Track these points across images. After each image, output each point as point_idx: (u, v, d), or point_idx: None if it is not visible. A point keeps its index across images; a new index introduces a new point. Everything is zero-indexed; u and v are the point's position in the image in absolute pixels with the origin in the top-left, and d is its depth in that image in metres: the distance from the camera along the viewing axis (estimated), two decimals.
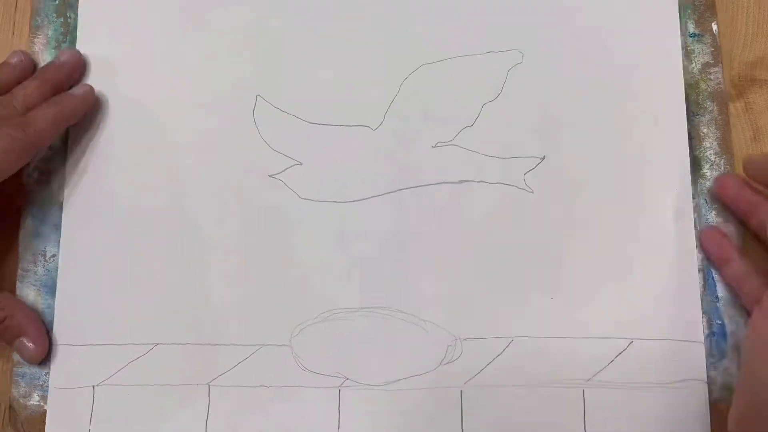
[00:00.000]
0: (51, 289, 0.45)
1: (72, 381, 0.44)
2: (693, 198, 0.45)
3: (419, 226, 0.45)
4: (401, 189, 0.45)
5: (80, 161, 0.46)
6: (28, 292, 0.45)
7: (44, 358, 0.43)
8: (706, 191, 0.45)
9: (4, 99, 0.43)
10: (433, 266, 0.44)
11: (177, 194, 0.45)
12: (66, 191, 0.45)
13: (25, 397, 0.44)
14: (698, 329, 0.43)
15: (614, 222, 0.45)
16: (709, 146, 0.45)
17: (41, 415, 0.44)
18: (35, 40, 0.47)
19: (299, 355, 0.44)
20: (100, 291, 0.44)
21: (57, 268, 0.45)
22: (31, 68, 0.46)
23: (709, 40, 0.46)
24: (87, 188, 0.45)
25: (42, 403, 0.44)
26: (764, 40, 0.47)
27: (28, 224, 0.45)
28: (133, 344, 0.44)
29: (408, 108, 0.46)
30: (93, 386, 0.44)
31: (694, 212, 0.45)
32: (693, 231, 0.44)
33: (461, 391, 0.43)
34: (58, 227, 0.45)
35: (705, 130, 0.46)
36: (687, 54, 0.46)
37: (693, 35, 0.46)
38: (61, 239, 0.45)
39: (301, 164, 0.46)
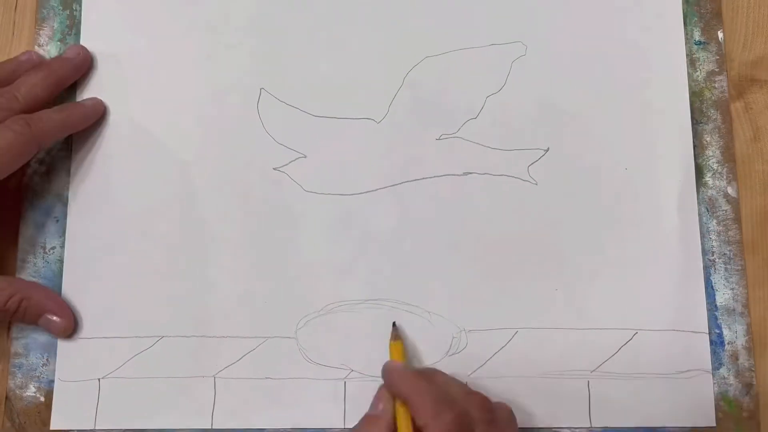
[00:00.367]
0: (50, 281, 0.45)
1: (77, 374, 0.43)
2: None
3: (424, 218, 0.45)
4: (406, 181, 0.45)
5: (85, 155, 0.46)
6: None
7: (72, 331, 0.44)
8: (707, 200, 0.45)
9: (6, 90, 0.43)
10: (437, 258, 0.44)
11: (181, 188, 0.45)
12: (71, 185, 0.45)
13: (21, 388, 0.44)
14: (702, 320, 0.44)
15: (618, 214, 0.45)
16: (712, 154, 0.46)
17: (37, 407, 0.43)
18: (41, 32, 0.47)
19: (304, 347, 0.44)
20: (105, 284, 0.44)
21: (57, 260, 0.45)
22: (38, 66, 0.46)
23: (715, 48, 0.47)
24: (92, 182, 0.45)
25: (38, 395, 0.44)
26: (764, 40, 0.47)
27: (28, 216, 0.45)
28: (138, 337, 0.44)
29: (412, 100, 0.46)
30: (98, 379, 0.43)
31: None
32: (697, 222, 0.45)
33: (466, 383, 0.43)
34: (58, 220, 0.45)
35: (708, 139, 0.46)
36: (692, 62, 0.47)
37: (698, 43, 0.47)
38: (67, 233, 0.45)
39: (305, 157, 0.46)
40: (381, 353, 0.43)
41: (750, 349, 0.44)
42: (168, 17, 0.47)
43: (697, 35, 0.47)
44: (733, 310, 0.44)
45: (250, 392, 0.43)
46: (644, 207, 0.45)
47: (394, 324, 0.43)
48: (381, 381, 0.41)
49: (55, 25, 0.47)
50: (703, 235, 0.45)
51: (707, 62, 0.47)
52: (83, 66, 0.46)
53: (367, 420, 0.40)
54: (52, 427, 0.43)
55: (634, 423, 0.43)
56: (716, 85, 0.46)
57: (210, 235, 0.45)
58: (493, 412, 0.39)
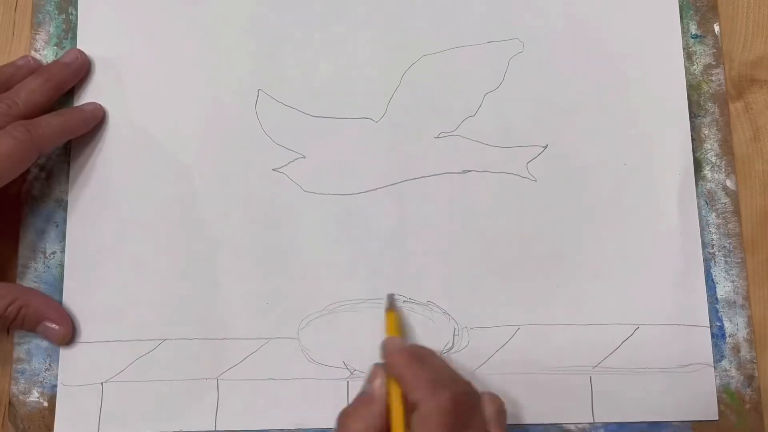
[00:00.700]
0: (51, 285, 0.45)
1: (80, 378, 0.43)
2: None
3: (424, 216, 0.45)
4: (405, 180, 0.45)
5: (84, 159, 0.46)
6: None
7: (71, 339, 0.44)
8: (706, 193, 0.45)
9: (5, 96, 0.43)
10: (438, 257, 0.44)
11: (181, 190, 0.45)
12: (70, 189, 0.45)
13: (24, 393, 0.44)
14: (704, 314, 0.44)
15: (618, 209, 0.45)
16: (710, 148, 0.46)
17: (40, 412, 0.43)
18: (37, 36, 0.47)
19: (307, 347, 0.44)
20: (106, 288, 0.44)
21: (57, 265, 0.45)
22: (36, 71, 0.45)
23: (711, 42, 0.47)
24: (91, 186, 0.45)
25: (41, 400, 0.44)
26: (764, 40, 0.47)
27: (28, 221, 0.45)
28: (141, 340, 0.44)
29: (410, 99, 0.46)
30: (101, 383, 0.43)
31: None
32: (696, 216, 0.45)
33: (470, 381, 0.43)
34: (58, 224, 0.45)
35: (706, 132, 0.46)
36: (689, 55, 0.47)
37: (695, 36, 0.47)
38: (67, 237, 0.45)
39: (304, 157, 0.46)
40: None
41: (751, 341, 0.44)
42: (165, 20, 0.47)
43: (693, 29, 0.47)
44: (734, 302, 0.44)
45: (253, 393, 0.43)
46: (643, 201, 0.45)
47: (388, 295, 0.43)
48: None
49: (51, 30, 0.47)
50: (703, 228, 0.45)
51: (704, 55, 0.47)
52: (81, 70, 0.46)
53: (361, 400, 0.39)
54: None
55: (636, 418, 0.43)
56: (713, 79, 0.46)
57: (210, 237, 0.45)
58: (481, 400, 0.39)
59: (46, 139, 0.42)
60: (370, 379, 0.40)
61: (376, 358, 0.43)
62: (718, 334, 0.44)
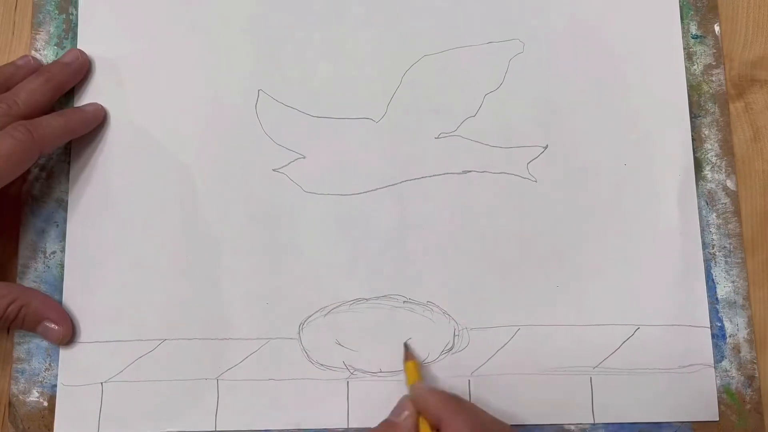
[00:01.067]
0: (51, 285, 0.45)
1: (80, 378, 0.43)
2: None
3: (424, 217, 0.45)
4: (405, 180, 0.45)
5: (84, 160, 0.46)
6: None
7: (71, 339, 0.44)
8: (707, 193, 0.45)
9: (6, 96, 0.43)
10: (438, 257, 0.44)
11: (181, 190, 0.45)
12: (70, 189, 0.45)
13: (24, 393, 0.44)
14: (704, 314, 0.44)
15: (618, 209, 0.45)
16: (711, 148, 0.46)
17: (40, 412, 0.43)
18: (37, 36, 0.47)
19: (307, 347, 0.44)
20: (106, 288, 0.44)
21: (57, 264, 0.45)
22: (36, 71, 0.45)
23: (711, 42, 0.47)
24: (91, 186, 0.45)
25: (41, 400, 0.44)
26: (764, 40, 0.47)
27: (29, 221, 0.45)
28: (140, 340, 0.44)
29: (410, 99, 0.46)
30: (101, 383, 0.43)
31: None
32: (696, 216, 0.45)
33: (469, 381, 0.43)
34: (58, 224, 0.45)
35: (706, 132, 0.46)
36: (689, 55, 0.47)
37: (695, 37, 0.47)
38: (67, 237, 0.45)
39: (304, 158, 0.46)
40: (383, 352, 0.43)
41: (752, 342, 0.44)
42: (165, 20, 0.47)
43: (693, 29, 0.47)
44: (734, 302, 0.44)
45: (253, 394, 0.43)
46: (644, 202, 0.45)
47: (405, 345, 0.43)
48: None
49: (52, 29, 0.47)
50: (703, 228, 0.45)
51: (704, 56, 0.47)
52: (82, 70, 0.46)
53: (386, 425, 0.40)
54: None
55: (637, 418, 0.43)
56: (714, 79, 0.46)
57: (210, 237, 0.45)
58: None
59: (47, 139, 0.42)
60: (397, 410, 0.40)
61: (376, 358, 0.43)
62: (718, 335, 0.44)
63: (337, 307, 0.44)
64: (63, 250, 0.45)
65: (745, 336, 0.44)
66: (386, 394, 0.43)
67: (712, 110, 0.46)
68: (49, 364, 0.44)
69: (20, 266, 0.45)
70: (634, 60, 0.46)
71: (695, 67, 0.47)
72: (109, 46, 0.47)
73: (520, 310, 0.44)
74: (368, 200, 0.45)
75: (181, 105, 0.46)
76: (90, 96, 0.46)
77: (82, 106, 0.45)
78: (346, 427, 0.43)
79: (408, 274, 0.44)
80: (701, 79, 0.46)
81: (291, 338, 0.44)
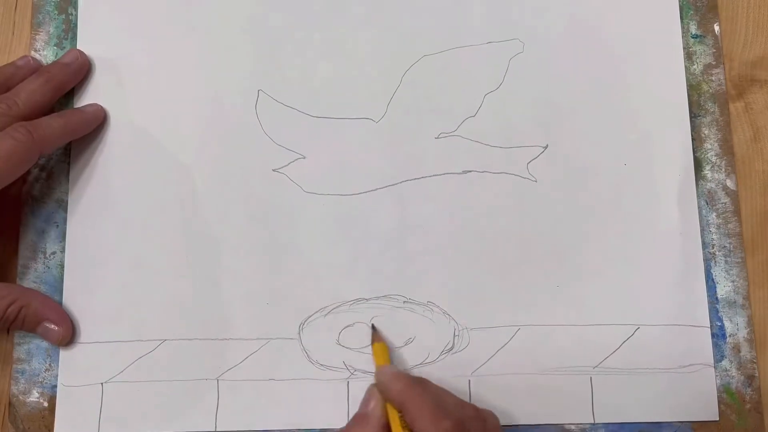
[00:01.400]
0: (52, 286, 0.45)
1: (80, 379, 0.43)
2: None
3: (424, 217, 0.45)
4: (405, 180, 0.45)
5: (84, 160, 0.46)
6: None
7: (71, 340, 0.44)
8: (706, 192, 0.45)
9: (6, 96, 0.43)
10: (438, 257, 0.44)
11: (181, 190, 0.45)
12: (70, 190, 0.45)
13: (24, 393, 0.44)
14: (704, 314, 0.44)
15: (618, 209, 0.45)
16: (711, 148, 0.46)
17: (40, 412, 0.43)
18: (36, 37, 0.47)
19: (307, 348, 0.44)
20: (106, 288, 0.44)
21: (57, 265, 0.45)
22: (36, 71, 0.45)
23: (711, 41, 0.47)
24: (91, 186, 0.45)
25: (41, 400, 0.44)
26: (764, 40, 0.47)
27: (28, 222, 0.45)
28: (141, 341, 0.44)
29: (410, 99, 0.46)
30: (101, 383, 0.43)
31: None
32: (696, 216, 0.45)
33: (469, 381, 0.43)
34: (58, 225, 0.45)
35: (706, 132, 0.46)
36: (689, 55, 0.47)
37: (695, 36, 0.47)
38: (67, 237, 0.45)
39: (304, 158, 0.46)
40: None
41: (752, 341, 0.44)
42: (165, 20, 0.47)
43: (693, 29, 0.47)
44: (734, 302, 0.44)
45: (253, 394, 0.43)
46: (643, 201, 0.45)
47: (372, 326, 0.43)
48: None
49: (51, 30, 0.47)
50: (703, 228, 0.45)
51: (704, 55, 0.47)
52: (82, 70, 0.46)
53: (357, 419, 0.39)
54: None
55: (637, 418, 0.43)
56: (713, 78, 0.46)
57: (210, 237, 0.45)
58: (485, 421, 0.39)
59: (47, 140, 0.42)
60: (365, 401, 0.40)
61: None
62: (718, 334, 0.44)
63: (337, 307, 0.44)
64: (63, 251, 0.45)
65: (745, 335, 0.44)
66: None
67: (711, 110, 0.46)
68: (50, 365, 0.44)
69: (20, 267, 0.45)
70: (633, 60, 0.46)
71: (695, 66, 0.47)
72: (108, 47, 0.47)
73: (520, 310, 0.44)
74: (368, 200, 0.45)
75: (181, 105, 0.46)
76: (90, 96, 0.46)
77: (82, 107, 0.45)
78: None
79: (408, 274, 0.44)
80: (701, 78, 0.46)
81: (291, 338, 0.44)
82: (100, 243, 0.45)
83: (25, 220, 0.45)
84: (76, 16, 0.47)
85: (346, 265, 0.44)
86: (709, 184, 0.45)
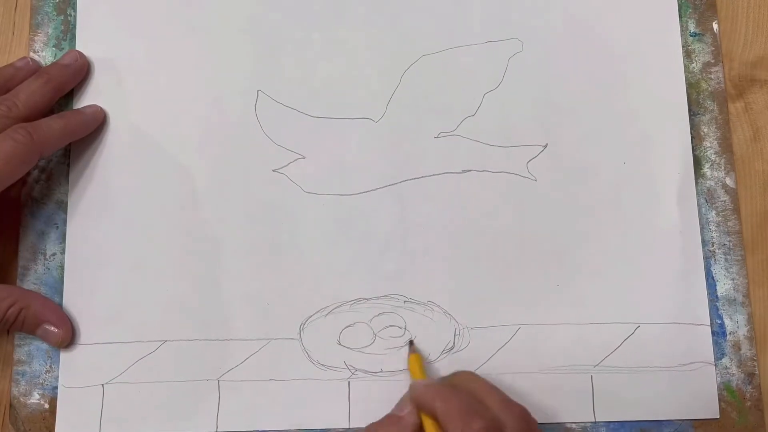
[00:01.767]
0: (52, 287, 0.44)
1: (81, 380, 0.43)
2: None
3: (424, 216, 0.45)
4: (405, 180, 0.45)
5: (84, 161, 0.45)
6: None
7: (70, 342, 0.44)
8: (706, 191, 0.45)
9: (5, 98, 0.43)
10: (438, 256, 0.44)
11: (181, 191, 0.45)
12: (70, 191, 0.45)
13: (25, 395, 0.44)
14: (704, 312, 0.44)
15: (618, 208, 0.45)
16: (710, 146, 0.46)
17: (41, 414, 0.43)
18: (35, 38, 0.47)
19: (308, 348, 0.44)
20: (106, 289, 0.44)
21: (57, 266, 0.45)
22: (35, 72, 0.45)
23: (710, 40, 0.47)
24: (91, 188, 0.45)
25: (42, 402, 0.44)
26: (764, 40, 0.47)
27: (28, 223, 0.45)
28: (141, 342, 0.44)
29: (409, 99, 0.46)
30: (102, 385, 0.43)
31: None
32: (696, 214, 0.45)
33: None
34: (58, 226, 0.45)
35: (705, 130, 0.46)
36: (687, 53, 0.47)
37: (694, 35, 0.47)
38: (67, 239, 0.45)
39: (304, 158, 0.46)
40: (383, 352, 0.43)
41: (752, 339, 0.44)
42: (164, 20, 0.47)
43: (692, 27, 0.47)
44: (734, 300, 0.44)
45: (254, 394, 0.43)
46: (643, 200, 0.45)
47: (410, 342, 0.44)
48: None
49: (50, 31, 0.47)
50: (703, 226, 0.45)
51: (703, 53, 0.47)
52: (81, 71, 0.46)
53: (390, 419, 0.40)
54: None
55: (637, 416, 0.43)
56: (712, 77, 0.46)
57: (210, 238, 0.45)
58: (530, 424, 0.39)
59: (47, 141, 0.42)
60: (400, 406, 0.40)
61: (377, 358, 0.43)
62: (718, 332, 0.44)
63: (337, 307, 0.44)
64: (63, 252, 0.45)
65: (745, 333, 0.44)
66: (387, 394, 0.43)
67: (710, 108, 0.46)
68: (50, 366, 0.44)
69: (20, 268, 0.45)
70: (633, 58, 0.46)
71: (694, 65, 0.47)
72: (107, 47, 0.47)
73: (520, 309, 0.44)
74: (368, 200, 0.45)
75: (181, 105, 0.46)
76: (89, 97, 0.46)
77: (82, 108, 0.45)
78: (347, 427, 0.43)
79: (408, 274, 0.44)
80: (700, 77, 0.46)
81: (292, 338, 0.44)
82: (100, 244, 0.45)
83: (25, 221, 0.45)
84: (75, 17, 0.47)
85: (347, 265, 0.44)
86: (708, 182, 0.45)
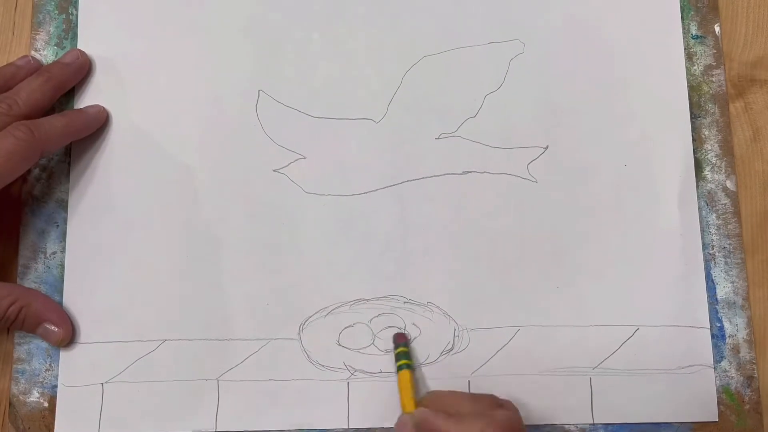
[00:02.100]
0: (52, 286, 0.45)
1: (80, 379, 0.43)
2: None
3: (424, 217, 0.45)
4: (405, 181, 0.45)
5: (85, 160, 0.45)
6: None
7: (70, 341, 0.44)
8: (706, 193, 0.45)
9: (6, 96, 0.43)
10: (438, 257, 0.45)
11: (182, 191, 0.45)
12: (70, 190, 0.45)
13: (24, 394, 0.44)
14: (704, 315, 0.44)
15: (618, 210, 0.45)
16: (711, 148, 0.46)
17: (41, 412, 0.43)
18: (37, 36, 0.47)
19: (307, 348, 0.44)
20: (106, 288, 0.44)
21: (57, 265, 0.45)
22: (36, 71, 0.45)
23: (712, 42, 0.47)
24: (92, 186, 0.45)
25: (42, 400, 0.44)
26: (764, 40, 0.47)
27: (29, 221, 0.45)
28: (141, 341, 0.44)
29: (411, 100, 0.46)
30: (102, 384, 0.43)
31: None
32: (697, 217, 0.45)
33: (469, 381, 0.43)
34: (59, 225, 0.45)
35: (706, 133, 0.46)
36: (689, 56, 0.47)
37: (695, 37, 0.47)
38: (67, 238, 0.45)
39: (305, 158, 0.46)
40: (383, 353, 0.43)
41: (751, 342, 0.44)
42: (165, 20, 0.47)
43: (694, 29, 0.47)
44: (734, 303, 0.44)
45: (253, 394, 0.43)
46: (644, 202, 0.45)
47: (398, 335, 0.43)
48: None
49: (52, 29, 0.47)
50: (703, 229, 0.45)
51: (704, 56, 0.47)
52: (82, 70, 0.46)
53: None
54: None
55: (636, 419, 0.43)
56: (714, 80, 0.46)
57: (210, 237, 0.45)
58: (506, 404, 0.40)
59: (49, 139, 0.42)
60: (399, 427, 0.40)
61: (377, 358, 0.43)
62: (718, 335, 0.44)
63: (337, 307, 0.44)
64: (63, 251, 0.45)
65: (745, 336, 0.44)
66: (387, 395, 0.43)
67: (712, 111, 0.46)
68: (50, 365, 0.44)
69: (21, 267, 0.45)
70: (634, 60, 0.46)
71: (695, 67, 0.47)
72: (109, 46, 0.47)
73: (520, 311, 0.44)
74: (368, 201, 0.45)
75: (182, 105, 0.46)
76: (90, 96, 0.46)
77: (85, 107, 0.45)
78: (346, 427, 0.43)
79: (408, 275, 0.44)
80: (701, 79, 0.46)
81: (291, 339, 0.44)
82: (101, 243, 0.45)
83: (26, 220, 0.45)
84: (77, 15, 0.47)
85: (347, 266, 0.44)
86: (709, 185, 0.45)
